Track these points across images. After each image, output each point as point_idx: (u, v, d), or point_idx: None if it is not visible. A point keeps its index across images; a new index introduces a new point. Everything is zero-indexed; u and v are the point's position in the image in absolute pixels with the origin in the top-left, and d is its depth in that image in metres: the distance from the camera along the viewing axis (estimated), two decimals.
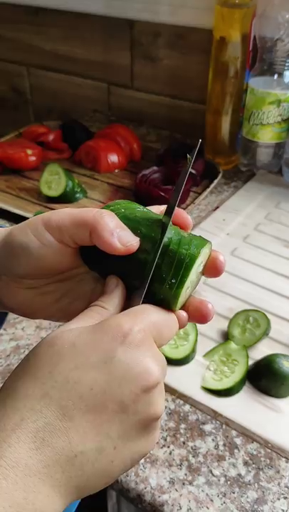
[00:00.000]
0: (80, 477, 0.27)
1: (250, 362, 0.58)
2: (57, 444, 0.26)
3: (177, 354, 0.59)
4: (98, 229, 0.31)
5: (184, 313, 0.33)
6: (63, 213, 0.32)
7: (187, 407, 0.55)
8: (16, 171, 0.99)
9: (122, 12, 1.14)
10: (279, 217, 0.88)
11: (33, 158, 0.99)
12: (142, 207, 0.35)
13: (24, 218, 0.82)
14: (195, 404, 0.55)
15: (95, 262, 0.34)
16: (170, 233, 0.33)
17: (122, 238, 0.32)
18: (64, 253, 0.33)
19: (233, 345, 0.60)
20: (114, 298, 0.32)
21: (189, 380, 0.58)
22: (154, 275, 0.32)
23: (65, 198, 0.89)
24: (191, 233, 0.34)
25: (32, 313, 0.37)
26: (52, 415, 0.26)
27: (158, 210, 0.36)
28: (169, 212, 0.33)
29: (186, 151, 0.96)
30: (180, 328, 0.33)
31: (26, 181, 0.97)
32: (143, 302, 0.32)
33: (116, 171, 1.01)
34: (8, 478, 0.24)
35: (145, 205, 0.36)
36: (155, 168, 0.91)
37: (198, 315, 0.34)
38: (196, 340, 0.60)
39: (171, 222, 0.33)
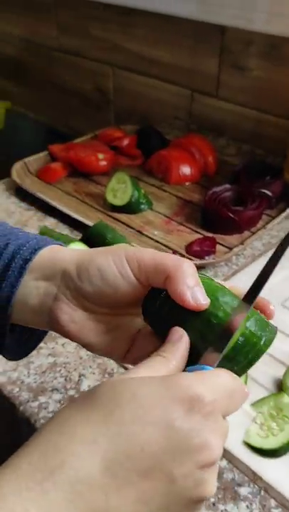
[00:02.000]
0: None
1: None
2: (93, 502, 0.24)
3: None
4: (176, 277, 0.32)
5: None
6: (146, 252, 0.34)
7: (224, 463, 0.49)
8: (86, 175, 0.97)
9: (215, 17, 1.08)
10: None
11: (103, 163, 0.97)
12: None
13: (84, 225, 0.80)
14: (233, 460, 0.49)
15: (156, 310, 0.34)
16: (251, 321, 0.32)
17: (195, 293, 0.31)
18: (134, 289, 0.34)
19: (286, 398, 0.53)
20: (178, 350, 0.31)
21: (231, 430, 0.51)
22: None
23: (129, 208, 0.85)
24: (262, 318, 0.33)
25: (75, 334, 0.36)
26: (94, 467, 0.24)
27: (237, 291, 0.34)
28: (249, 297, 0.33)
29: (265, 171, 0.90)
30: None
31: (94, 186, 0.95)
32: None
33: (187, 183, 0.96)
34: None
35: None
36: (228, 186, 0.85)
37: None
38: None
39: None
